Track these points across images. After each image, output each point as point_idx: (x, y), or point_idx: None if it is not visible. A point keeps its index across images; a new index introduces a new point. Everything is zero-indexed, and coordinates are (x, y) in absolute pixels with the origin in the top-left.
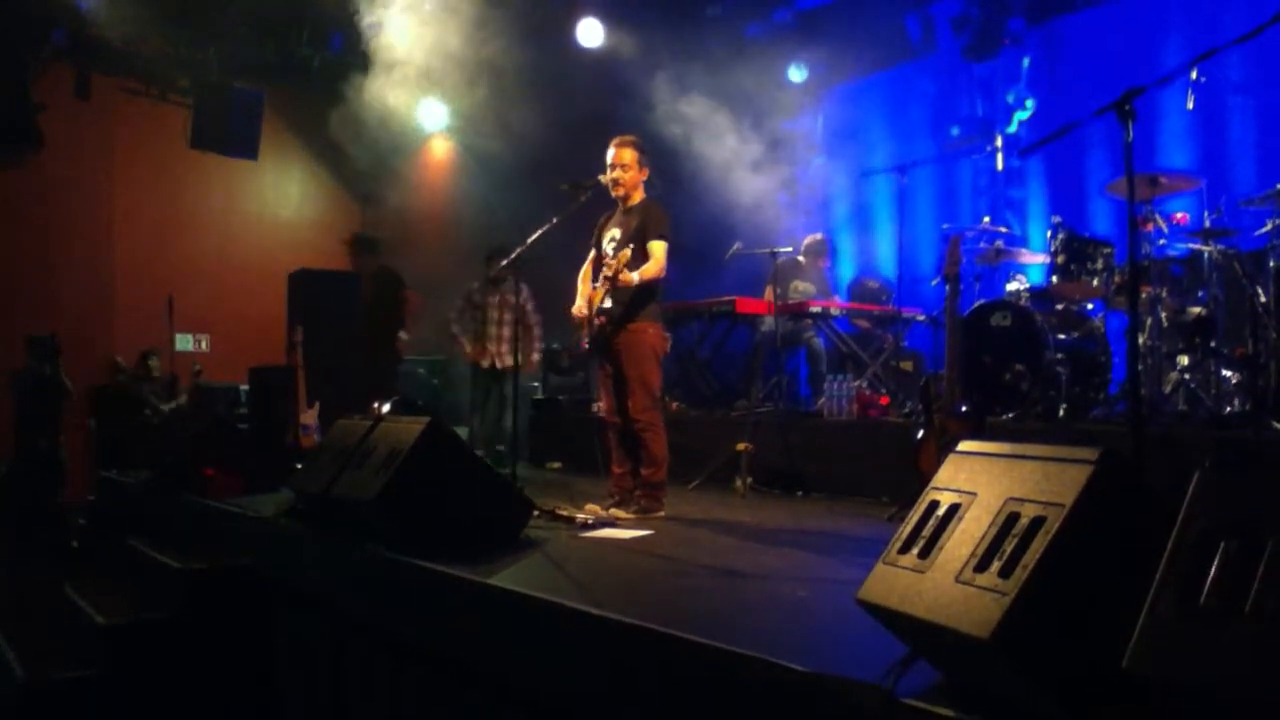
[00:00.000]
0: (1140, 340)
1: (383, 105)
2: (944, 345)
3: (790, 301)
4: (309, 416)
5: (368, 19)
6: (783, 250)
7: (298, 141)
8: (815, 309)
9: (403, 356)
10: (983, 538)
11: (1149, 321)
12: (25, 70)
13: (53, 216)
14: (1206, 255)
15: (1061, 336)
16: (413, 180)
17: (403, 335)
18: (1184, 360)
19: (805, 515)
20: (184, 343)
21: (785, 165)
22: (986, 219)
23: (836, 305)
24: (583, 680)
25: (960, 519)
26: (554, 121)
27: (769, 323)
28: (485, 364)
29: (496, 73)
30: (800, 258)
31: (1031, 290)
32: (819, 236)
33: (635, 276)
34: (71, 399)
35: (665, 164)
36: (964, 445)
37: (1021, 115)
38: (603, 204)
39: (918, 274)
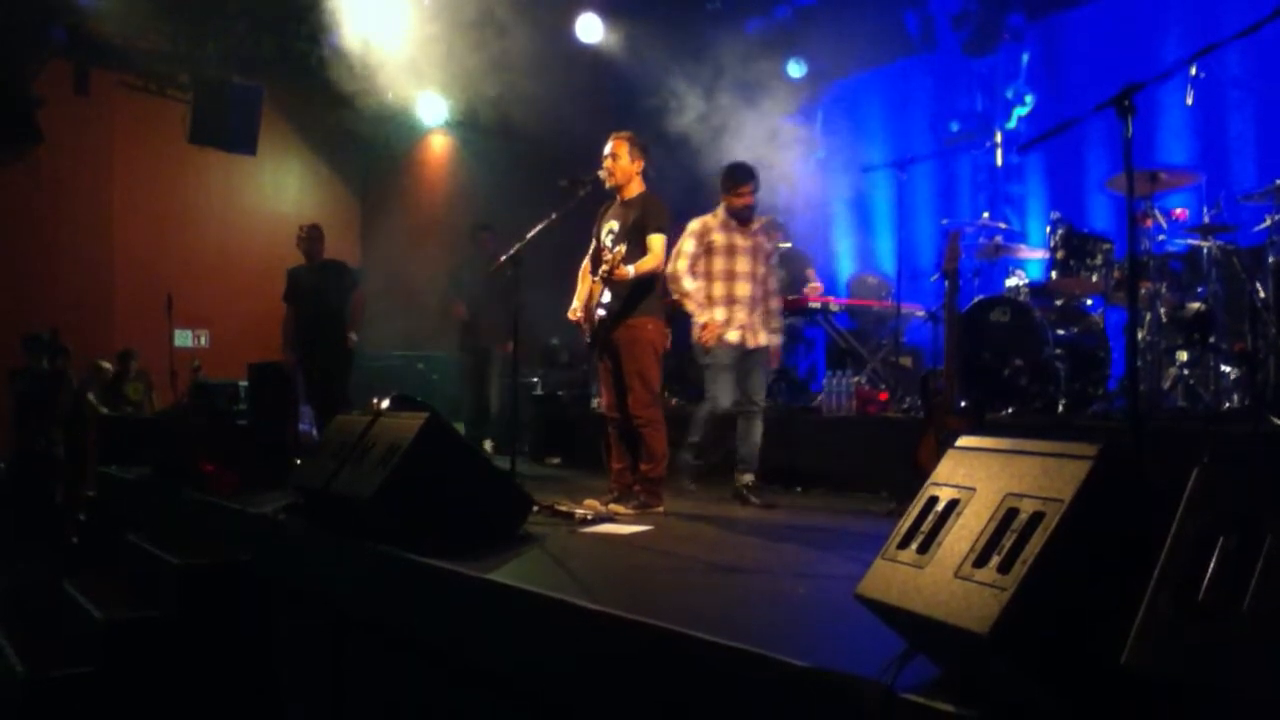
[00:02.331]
0: (1139, 336)
1: (381, 100)
2: (943, 341)
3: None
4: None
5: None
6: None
7: (296, 136)
8: (815, 304)
9: (350, 358)
10: (981, 533)
11: (1148, 317)
12: (24, 66)
13: (52, 212)
14: (1206, 251)
15: (1060, 332)
16: (411, 174)
17: (353, 336)
18: (1183, 356)
19: (804, 511)
20: (183, 339)
21: (784, 160)
22: (986, 214)
23: (835, 300)
24: (582, 675)
25: (959, 514)
26: (553, 116)
27: None
28: (733, 339)
29: (495, 68)
30: None
31: (1031, 286)
32: (762, 219)
33: (631, 270)
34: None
35: (663, 159)
36: (963, 441)
37: (1021, 111)
38: (605, 197)
39: (917, 269)
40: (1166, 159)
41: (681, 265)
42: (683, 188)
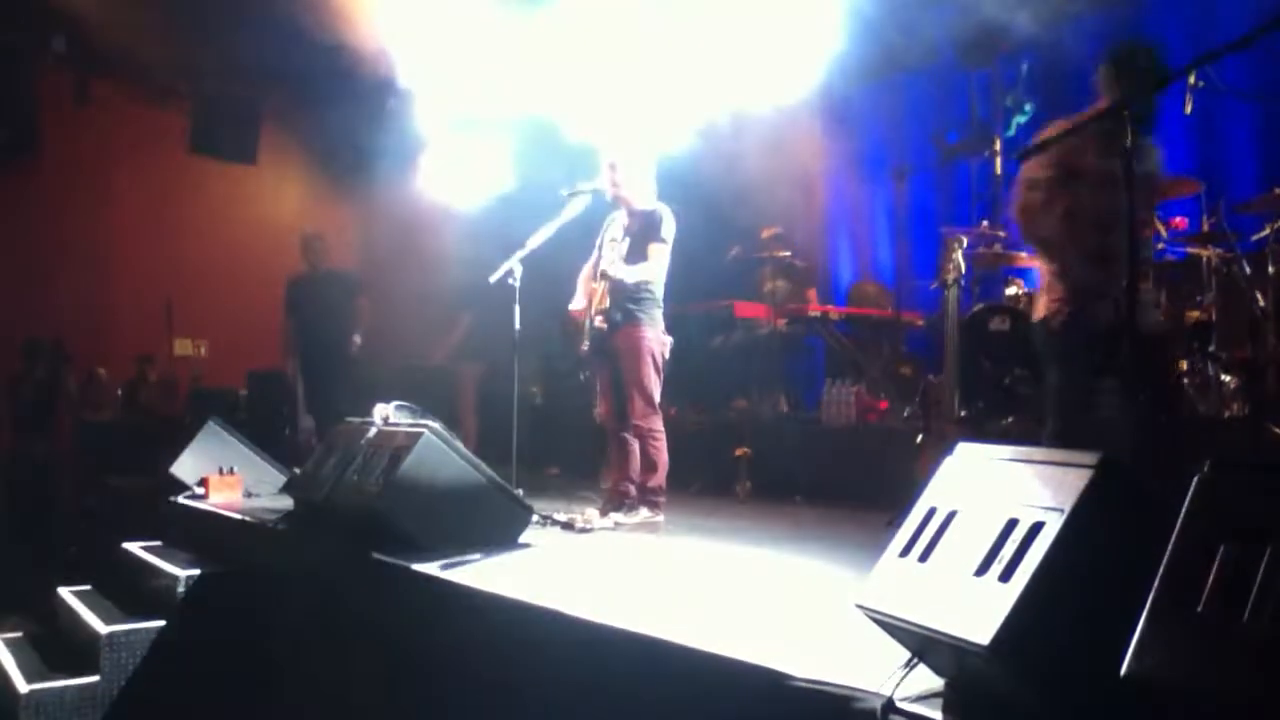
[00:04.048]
0: None
1: (381, 108)
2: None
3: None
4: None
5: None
6: (782, 254)
7: (296, 146)
8: (815, 313)
9: (355, 362)
10: (982, 543)
11: None
12: (24, 76)
13: (51, 221)
14: (1205, 259)
15: None
16: (411, 184)
17: (355, 341)
18: (1182, 364)
19: (804, 520)
20: (183, 348)
21: (785, 169)
22: (985, 223)
23: (835, 309)
24: (581, 686)
25: (959, 524)
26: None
27: (738, 332)
28: (1109, 312)
29: (495, 74)
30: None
31: (1030, 294)
32: (775, 229)
33: (627, 273)
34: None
35: (663, 169)
36: (963, 450)
37: (1020, 118)
38: (606, 206)
39: (917, 278)
40: (1166, 167)
41: (1036, 196)
42: (678, 198)
